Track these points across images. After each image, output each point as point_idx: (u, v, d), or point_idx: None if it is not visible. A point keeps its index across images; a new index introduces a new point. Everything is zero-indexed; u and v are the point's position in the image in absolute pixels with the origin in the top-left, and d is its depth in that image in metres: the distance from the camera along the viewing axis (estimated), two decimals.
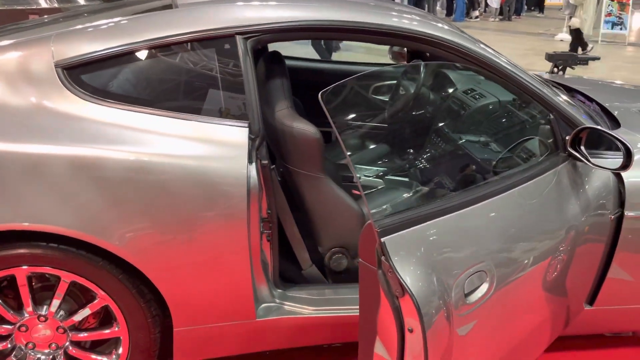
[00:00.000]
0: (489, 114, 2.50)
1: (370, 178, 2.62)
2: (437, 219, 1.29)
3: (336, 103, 1.95)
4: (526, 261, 1.45)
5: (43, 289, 1.76)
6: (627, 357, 2.25)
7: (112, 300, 1.72)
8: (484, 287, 1.28)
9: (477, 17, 15.17)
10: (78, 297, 1.79)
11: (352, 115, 2.65)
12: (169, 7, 1.98)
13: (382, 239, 1.15)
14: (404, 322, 1.13)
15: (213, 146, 1.70)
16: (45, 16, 2.63)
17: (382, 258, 1.14)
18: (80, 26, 1.84)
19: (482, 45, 1.95)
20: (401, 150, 2.76)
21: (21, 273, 1.65)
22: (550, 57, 3.21)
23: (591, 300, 1.99)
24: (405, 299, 1.11)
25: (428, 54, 2.43)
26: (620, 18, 11.11)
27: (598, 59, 3.52)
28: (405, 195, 1.37)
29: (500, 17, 15.18)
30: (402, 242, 1.19)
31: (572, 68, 3.33)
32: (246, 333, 1.89)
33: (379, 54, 3.53)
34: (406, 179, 2.61)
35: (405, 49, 3.40)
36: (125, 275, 1.70)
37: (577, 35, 8.89)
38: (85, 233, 1.60)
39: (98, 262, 1.67)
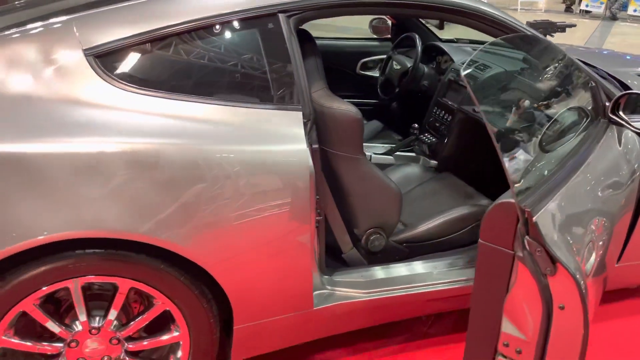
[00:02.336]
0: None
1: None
2: (559, 191, 1.29)
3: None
4: (609, 224, 1.50)
5: (91, 299, 1.62)
6: None
7: (173, 304, 1.61)
8: (593, 257, 1.31)
9: None
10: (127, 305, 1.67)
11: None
12: None
13: (534, 218, 1.14)
14: (552, 300, 1.14)
15: (271, 133, 1.61)
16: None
17: (527, 238, 1.14)
18: (102, 8, 1.66)
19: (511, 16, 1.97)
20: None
21: (76, 284, 1.50)
22: (531, 26, 3.31)
23: (618, 259, 2.11)
24: (557, 277, 1.12)
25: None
26: None
27: (574, 25, 3.66)
28: (532, 168, 1.35)
29: None
30: (546, 218, 1.18)
31: (552, 35, 3.45)
32: (304, 323, 1.84)
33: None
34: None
35: (390, 22, 3.39)
36: (187, 277, 1.59)
37: None
38: (149, 235, 1.47)
39: (158, 265, 1.55)
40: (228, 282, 1.63)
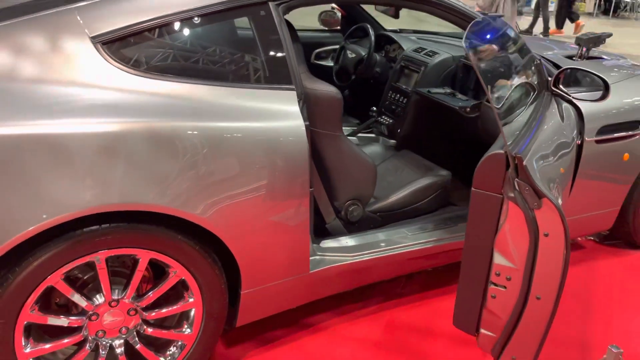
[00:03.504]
0: None
1: None
2: (532, 147, 1.54)
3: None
4: (566, 175, 1.79)
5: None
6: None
7: (188, 273, 1.73)
8: (560, 199, 1.58)
9: None
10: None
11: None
12: None
13: (525, 162, 1.38)
14: (539, 229, 1.38)
15: (273, 111, 1.77)
16: None
17: (517, 180, 1.38)
18: None
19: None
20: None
21: (100, 257, 1.59)
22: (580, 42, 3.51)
23: None
24: (543, 210, 1.36)
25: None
26: None
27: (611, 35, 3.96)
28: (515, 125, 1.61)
29: None
30: (529, 164, 1.42)
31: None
32: (303, 286, 2.02)
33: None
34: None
35: (339, 15, 3.61)
36: (202, 247, 1.72)
37: None
38: (172, 207, 1.59)
39: (176, 236, 1.67)
40: (238, 250, 1.77)
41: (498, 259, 1.46)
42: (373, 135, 3.10)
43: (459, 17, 2.14)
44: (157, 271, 1.81)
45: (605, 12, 13.98)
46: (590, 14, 13.95)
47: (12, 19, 1.60)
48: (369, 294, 2.45)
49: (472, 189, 1.51)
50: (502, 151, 1.44)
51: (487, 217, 1.45)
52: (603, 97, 2.03)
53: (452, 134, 2.88)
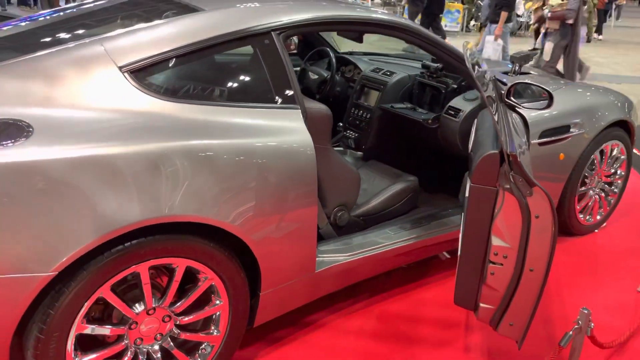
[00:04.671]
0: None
1: None
2: (513, 141, 1.84)
3: None
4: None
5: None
6: None
7: (218, 278, 1.89)
8: None
9: None
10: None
11: None
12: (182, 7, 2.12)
13: (519, 159, 1.68)
14: (530, 213, 1.68)
15: (284, 127, 1.98)
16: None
17: (512, 173, 1.68)
18: (122, 30, 1.89)
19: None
20: None
21: (144, 268, 1.72)
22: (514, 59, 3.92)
23: None
24: (534, 196, 1.66)
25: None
26: None
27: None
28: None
29: None
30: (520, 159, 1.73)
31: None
32: (310, 285, 2.22)
33: None
34: None
35: (295, 38, 3.88)
36: (230, 253, 1.89)
37: None
38: (210, 217, 1.76)
39: (208, 244, 1.83)
40: (261, 254, 1.95)
41: (495, 241, 1.75)
42: (341, 148, 3.37)
43: (438, 50, 2.48)
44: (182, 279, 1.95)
45: None
46: None
47: (31, 50, 1.74)
48: (357, 292, 2.69)
49: (471, 184, 1.80)
50: (496, 151, 1.75)
51: (485, 207, 1.75)
52: (548, 106, 2.42)
53: (415, 144, 3.22)
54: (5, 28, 2.27)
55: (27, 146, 1.50)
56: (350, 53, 3.88)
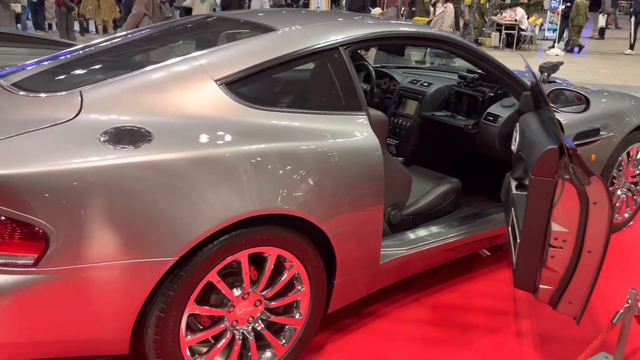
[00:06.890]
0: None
1: None
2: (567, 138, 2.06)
3: None
4: None
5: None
6: None
7: (302, 266, 2.10)
8: None
9: None
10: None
11: None
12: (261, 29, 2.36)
13: (579, 151, 1.90)
14: (589, 200, 1.90)
15: (355, 132, 2.22)
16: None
17: (571, 165, 1.90)
18: (213, 48, 2.13)
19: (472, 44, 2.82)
20: None
21: (244, 255, 1.94)
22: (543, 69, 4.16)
23: None
24: (592, 185, 1.88)
25: None
26: None
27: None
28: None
29: None
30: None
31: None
32: (374, 277, 2.43)
33: None
34: None
35: None
36: (312, 244, 2.11)
37: None
38: (303, 212, 1.98)
39: (296, 234, 2.05)
40: (338, 245, 2.17)
41: (555, 227, 1.97)
42: None
43: (482, 61, 2.73)
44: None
45: (509, 45, 15.63)
46: (496, 47, 15.52)
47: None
48: (409, 286, 2.90)
49: (532, 177, 2.02)
50: (555, 146, 1.97)
51: (545, 197, 1.97)
52: (586, 109, 2.66)
53: (454, 149, 3.45)
54: (82, 51, 2.51)
55: (151, 149, 1.73)
56: (384, 67, 4.13)
